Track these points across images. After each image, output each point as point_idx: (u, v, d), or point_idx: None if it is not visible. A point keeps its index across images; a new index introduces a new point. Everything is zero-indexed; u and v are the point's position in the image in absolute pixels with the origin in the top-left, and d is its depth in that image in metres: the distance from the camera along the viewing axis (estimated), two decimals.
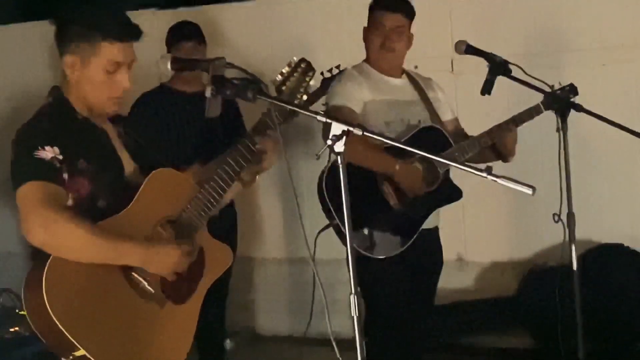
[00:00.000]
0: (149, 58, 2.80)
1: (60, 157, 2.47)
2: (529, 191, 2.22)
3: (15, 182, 2.45)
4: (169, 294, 2.58)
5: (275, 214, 5.53)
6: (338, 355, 2.37)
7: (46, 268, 2.33)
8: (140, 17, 2.71)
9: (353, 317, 2.37)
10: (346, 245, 2.40)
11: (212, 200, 2.69)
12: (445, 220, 3.83)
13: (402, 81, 3.78)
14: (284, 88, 2.79)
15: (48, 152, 2.45)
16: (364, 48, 3.76)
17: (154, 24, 5.28)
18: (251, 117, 3.02)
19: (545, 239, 4.93)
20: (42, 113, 2.60)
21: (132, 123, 3.21)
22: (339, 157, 2.36)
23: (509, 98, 3.73)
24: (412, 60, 4.01)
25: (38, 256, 2.40)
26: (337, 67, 3.69)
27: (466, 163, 2.45)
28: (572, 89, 3.68)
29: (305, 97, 2.85)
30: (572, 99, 3.64)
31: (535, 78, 3.49)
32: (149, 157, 2.75)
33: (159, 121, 4.29)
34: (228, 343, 5.00)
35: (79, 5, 2.61)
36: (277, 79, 2.79)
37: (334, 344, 2.36)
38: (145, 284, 2.52)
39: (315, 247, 2.98)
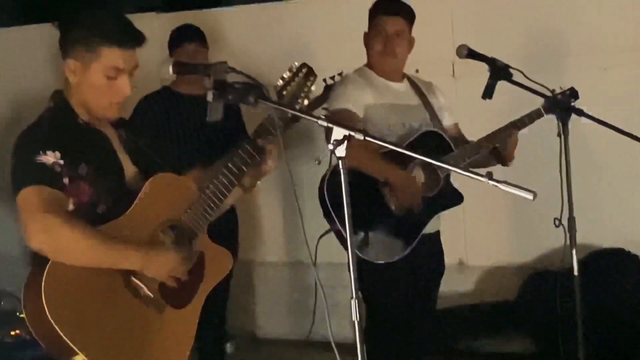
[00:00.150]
0: (150, 60, 2.81)
1: (61, 161, 2.47)
2: (530, 196, 2.22)
3: (16, 186, 2.45)
4: (169, 299, 2.58)
5: (276, 218, 5.54)
6: (339, 359, 2.37)
7: (45, 272, 2.33)
8: (141, 20, 2.71)
9: (354, 321, 2.36)
10: (347, 250, 2.39)
11: (212, 205, 2.69)
12: (446, 224, 3.83)
13: (404, 85, 3.79)
14: (285, 93, 2.80)
15: (49, 157, 2.46)
16: (366, 52, 3.77)
17: (156, 26, 5.31)
18: (253, 121, 3.03)
19: (546, 243, 4.93)
20: (44, 117, 2.60)
21: (134, 125, 3.22)
22: (340, 162, 2.36)
23: (510, 102, 3.72)
24: (414, 64, 4.01)
25: (37, 260, 2.40)
26: (339, 74, 3.70)
27: (467, 168, 2.44)
28: (573, 93, 3.68)
29: (306, 102, 2.85)
30: (572, 103, 3.64)
31: (536, 82, 3.49)
32: (149, 161, 2.75)
33: (161, 123, 4.29)
34: (229, 346, 5.01)
35: (82, 9, 2.62)
36: (279, 83, 2.80)
37: (334, 347, 2.36)
38: (145, 288, 2.52)
39: (316, 250, 2.98)
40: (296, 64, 2.86)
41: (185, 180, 2.73)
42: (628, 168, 4.86)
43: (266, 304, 5.64)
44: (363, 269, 3.13)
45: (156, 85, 4.49)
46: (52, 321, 2.30)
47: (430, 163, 3.41)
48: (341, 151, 2.36)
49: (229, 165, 2.71)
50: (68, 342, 2.32)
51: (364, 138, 2.36)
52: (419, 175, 3.63)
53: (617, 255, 4.86)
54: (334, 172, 3.35)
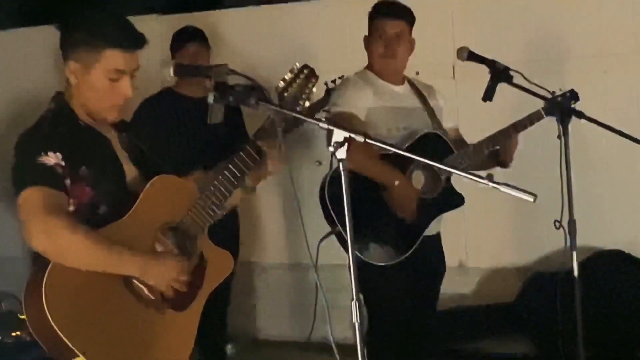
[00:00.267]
0: (152, 62, 2.81)
1: (63, 163, 2.47)
2: (530, 198, 2.23)
3: (17, 187, 2.46)
4: (170, 301, 2.59)
5: (277, 219, 5.54)
6: None
7: (46, 274, 2.34)
8: (142, 22, 2.72)
9: (354, 323, 2.36)
10: (348, 252, 2.40)
11: (213, 207, 2.69)
12: (446, 226, 3.84)
13: (404, 88, 3.79)
14: (286, 94, 2.79)
15: (51, 158, 2.46)
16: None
17: (157, 28, 5.31)
18: (254, 122, 3.03)
19: (546, 245, 4.93)
20: (45, 119, 2.60)
21: (136, 127, 3.21)
22: (341, 164, 2.37)
23: (510, 105, 3.73)
24: (414, 67, 4.02)
25: (38, 262, 2.41)
26: (341, 77, 3.70)
27: (468, 170, 2.45)
28: (573, 95, 3.68)
29: (307, 104, 2.85)
30: (572, 105, 3.64)
31: (536, 85, 3.50)
32: (150, 163, 2.76)
33: (163, 125, 4.29)
34: (229, 348, 5.00)
35: (84, 12, 2.62)
36: (280, 85, 2.79)
37: (334, 349, 2.36)
38: (146, 290, 2.53)
39: (318, 252, 2.99)
40: (298, 65, 2.86)
41: (186, 182, 2.74)
42: (628, 170, 4.87)
43: (267, 305, 5.64)
44: (364, 270, 3.13)
45: (157, 88, 4.49)
46: (52, 323, 2.31)
47: (431, 165, 3.41)
48: (342, 153, 2.36)
49: (231, 167, 2.71)
50: (68, 343, 2.32)
51: (365, 140, 2.36)
52: (418, 180, 3.64)
53: (617, 257, 4.87)
54: (334, 174, 3.36)
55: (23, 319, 2.44)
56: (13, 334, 3.63)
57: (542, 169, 4.34)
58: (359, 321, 2.36)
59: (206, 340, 3.27)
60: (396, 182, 3.48)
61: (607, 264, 4.84)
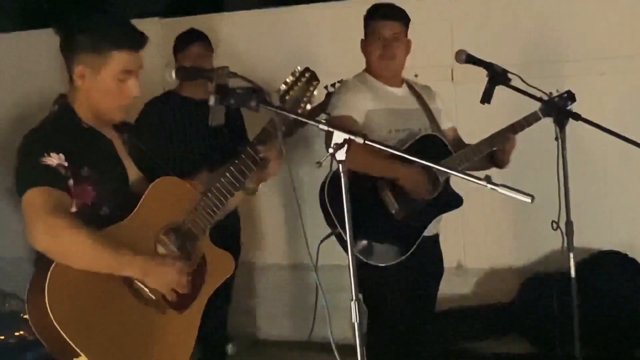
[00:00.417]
0: (154, 65, 2.83)
1: (66, 164, 2.49)
2: (528, 199, 2.24)
3: (20, 188, 2.48)
4: (170, 301, 2.60)
5: (277, 220, 5.54)
6: None
7: (49, 274, 2.35)
8: (144, 25, 2.73)
9: (354, 323, 2.38)
10: (347, 252, 2.40)
11: (215, 208, 2.71)
12: (445, 227, 3.85)
13: (403, 90, 3.81)
14: (287, 97, 2.82)
15: (54, 159, 2.48)
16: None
17: (159, 32, 5.33)
18: (255, 125, 3.05)
19: (543, 246, 4.95)
20: (48, 120, 2.63)
21: (140, 129, 3.22)
22: (340, 165, 2.38)
23: (508, 107, 3.74)
24: (413, 69, 4.03)
25: (41, 262, 2.43)
26: (339, 82, 3.72)
27: (466, 172, 2.46)
28: (570, 96, 3.69)
29: (309, 107, 2.87)
30: (570, 106, 3.66)
31: (534, 87, 3.51)
32: (153, 164, 2.77)
33: (167, 127, 4.30)
34: (230, 347, 5.02)
35: (86, 16, 2.64)
36: (281, 88, 2.81)
37: (334, 349, 2.37)
38: (147, 290, 2.54)
39: (318, 254, 3.00)
40: (299, 68, 2.88)
41: (187, 184, 2.75)
42: (625, 172, 4.89)
43: (267, 305, 5.64)
44: (364, 271, 3.15)
45: (159, 90, 4.51)
46: (55, 323, 2.32)
47: (430, 167, 3.43)
48: (341, 155, 2.37)
49: (232, 169, 2.73)
50: (71, 343, 2.34)
51: (364, 142, 2.37)
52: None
53: (614, 258, 4.88)
54: (334, 176, 3.37)
55: (26, 319, 2.45)
56: (16, 334, 3.63)
57: (540, 170, 4.33)
58: (358, 321, 2.37)
59: (206, 340, 3.29)
60: (402, 171, 3.49)
61: (604, 265, 4.85)
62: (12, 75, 6.01)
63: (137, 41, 2.61)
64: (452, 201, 3.73)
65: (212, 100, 2.60)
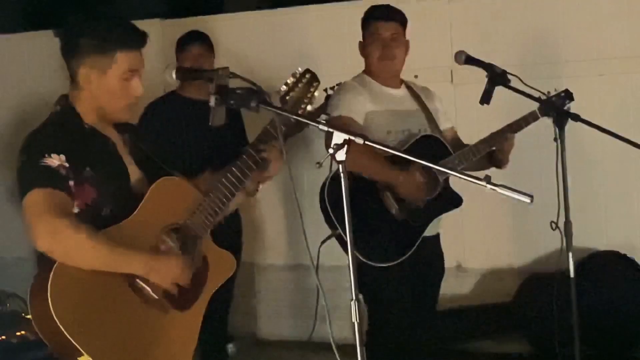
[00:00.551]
0: (154, 66, 2.83)
1: (67, 165, 2.50)
2: (527, 200, 2.24)
3: (21, 189, 2.48)
4: (172, 301, 2.61)
5: (278, 221, 5.55)
6: None
7: (51, 274, 2.36)
8: (145, 26, 2.74)
9: (354, 322, 2.38)
10: (348, 253, 2.41)
11: (216, 209, 2.72)
12: (444, 227, 3.86)
13: (402, 91, 3.81)
14: (288, 98, 2.82)
15: (55, 160, 2.49)
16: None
17: (160, 33, 5.34)
18: (255, 126, 3.06)
19: (542, 246, 4.96)
20: (50, 121, 2.64)
21: (143, 130, 3.23)
22: (340, 166, 2.39)
23: (507, 108, 3.76)
24: (412, 71, 4.05)
25: (43, 262, 2.43)
26: (339, 84, 3.73)
27: (466, 172, 2.47)
28: (568, 95, 3.70)
29: (309, 108, 2.88)
30: (568, 105, 3.66)
31: (533, 88, 3.52)
32: (154, 165, 2.78)
33: (170, 128, 4.31)
34: (230, 347, 5.02)
35: (88, 18, 2.66)
36: (282, 89, 2.82)
37: (334, 349, 2.38)
38: (149, 290, 2.55)
39: (319, 255, 3.01)
40: (300, 69, 2.88)
41: (189, 184, 2.76)
42: (623, 172, 4.90)
43: (268, 305, 5.65)
44: (364, 271, 3.16)
45: (160, 91, 4.52)
46: (58, 322, 2.33)
47: (429, 167, 3.44)
48: (341, 155, 2.38)
49: (233, 169, 2.74)
50: (74, 342, 2.35)
51: (364, 142, 2.38)
52: (420, 175, 3.67)
53: (613, 258, 4.89)
54: (333, 177, 3.39)
55: (28, 319, 2.46)
56: (18, 334, 3.63)
57: (539, 170, 4.37)
58: (358, 321, 2.38)
59: (207, 340, 3.30)
60: (400, 178, 3.50)
61: (602, 265, 4.87)
62: (13, 76, 6.02)
63: (140, 40, 2.64)
64: (452, 201, 3.74)
65: (212, 101, 2.61)
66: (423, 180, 3.60)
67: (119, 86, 2.61)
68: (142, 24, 2.72)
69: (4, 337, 3.62)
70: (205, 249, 2.74)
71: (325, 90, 3.56)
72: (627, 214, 4.94)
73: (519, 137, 3.72)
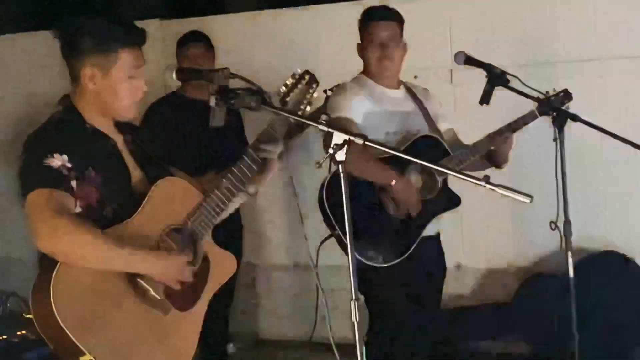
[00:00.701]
0: (154, 67, 2.84)
1: (69, 165, 2.50)
2: (527, 200, 2.25)
3: (24, 189, 2.49)
4: (174, 301, 2.62)
5: (278, 221, 5.55)
6: None
7: (54, 274, 2.37)
8: (145, 27, 2.74)
9: (353, 322, 2.39)
10: (347, 253, 2.42)
11: (217, 209, 2.73)
12: (443, 227, 3.86)
13: (400, 92, 3.82)
14: (287, 99, 2.83)
15: (57, 160, 2.49)
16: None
17: (160, 33, 5.34)
18: (254, 126, 3.06)
19: (542, 246, 4.96)
20: (52, 122, 2.64)
21: (146, 130, 3.22)
22: (340, 166, 2.39)
23: (507, 108, 3.76)
24: (412, 71, 4.05)
25: (46, 262, 2.44)
26: (337, 86, 3.73)
27: (465, 172, 2.47)
28: (566, 95, 3.70)
29: (308, 109, 2.88)
30: (566, 104, 3.67)
31: (532, 88, 3.53)
32: (155, 165, 2.79)
33: (172, 128, 4.31)
34: (231, 347, 5.03)
35: (88, 19, 2.66)
36: (282, 90, 2.83)
37: (334, 348, 2.39)
38: (151, 290, 2.56)
39: (318, 255, 3.02)
40: (299, 70, 2.89)
41: (190, 185, 2.77)
42: (623, 172, 4.90)
43: (268, 305, 5.65)
44: (364, 271, 3.16)
45: (160, 91, 4.52)
46: (60, 322, 2.34)
47: (428, 167, 3.44)
48: (341, 155, 2.39)
49: (234, 170, 2.75)
50: (76, 342, 2.35)
51: (364, 143, 2.39)
52: (417, 180, 3.67)
53: (612, 258, 4.89)
54: (332, 178, 3.39)
55: (28, 318, 2.47)
56: (18, 333, 3.64)
57: (538, 171, 4.37)
58: (358, 320, 2.38)
59: (208, 340, 3.30)
60: (393, 182, 3.51)
61: (602, 265, 4.87)
62: (13, 76, 6.02)
63: (141, 37, 2.66)
64: (450, 201, 3.74)
65: (212, 101, 2.62)
66: (417, 187, 3.61)
67: (123, 84, 2.62)
68: (142, 24, 2.73)
69: (5, 336, 3.63)
70: (206, 249, 2.75)
71: (325, 91, 3.56)
72: (627, 214, 4.94)
73: (518, 137, 3.73)
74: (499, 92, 3.51)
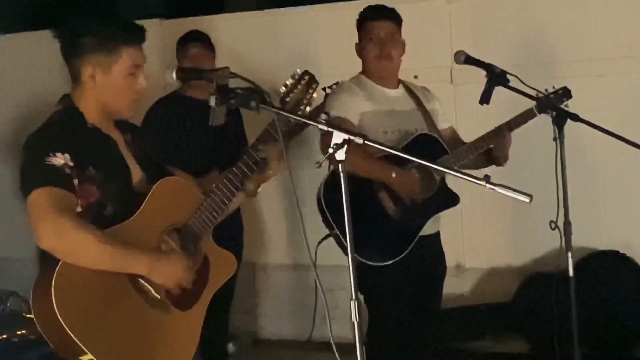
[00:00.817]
0: (154, 66, 2.84)
1: (71, 164, 2.51)
2: (526, 199, 2.25)
3: (25, 188, 2.49)
4: (174, 301, 2.63)
5: (278, 221, 5.56)
6: None
7: (55, 273, 2.37)
8: (145, 26, 2.75)
9: (353, 322, 2.39)
10: (346, 253, 2.42)
11: (217, 209, 2.74)
12: (443, 226, 3.86)
13: (399, 91, 3.82)
14: (288, 99, 2.84)
15: (59, 159, 2.50)
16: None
17: (160, 33, 5.34)
18: (254, 126, 3.06)
19: (542, 245, 4.97)
20: (53, 120, 2.64)
21: (146, 130, 3.22)
22: (340, 165, 2.39)
23: (507, 108, 3.76)
24: (412, 71, 4.05)
25: (47, 261, 2.44)
26: (336, 83, 3.73)
27: (465, 171, 2.47)
28: (565, 92, 3.69)
29: (308, 109, 2.89)
30: (565, 103, 3.66)
31: (532, 88, 3.53)
32: (156, 165, 2.80)
33: (174, 128, 4.31)
34: (230, 346, 5.03)
35: (89, 18, 2.67)
36: (282, 90, 2.84)
37: (334, 348, 2.38)
38: (152, 289, 2.57)
39: (316, 254, 3.01)
40: (298, 71, 2.90)
41: (190, 185, 2.78)
42: (623, 172, 4.90)
43: (268, 305, 5.65)
44: (363, 271, 3.16)
45: (160, 91, 4.52)
46: (61, 321, 2.34)
47: (427, 166, 3.44)
48: (341, 155, 2.39)
49: (234, 170, 2.76)
50: (77, 341, 2.36)
51: (364, 142, 2.39)
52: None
53: (612, 258, 4.89)
54: (331, 178, 3.39)
55: (29, 318, 2.47)
56: (18, 332, 3.63)
57: (538, 170, 4.38)
58: (358, 320, 2.38)
59: (208, 339, 3.31)
60: (393, 174, 3.50)
61: (602, 265, 4.87)
62: (15, 75, 6.03)
63: (141, 35, 2.67)
64: (449, 200, 3.73)
65: (212, 101, 2.62)
66: (418, 176, 3.61)
67: (125, 82, 2.63)
68: (142, 24, 2.73)
69: (5, 336, 3.63)
70: (207, 249, 2.76)
71: (324, 89, 3.56)
72: (627, 214, 4.95)
73: (518, 137, 3.72)
74: (499, 92, 3.51)
